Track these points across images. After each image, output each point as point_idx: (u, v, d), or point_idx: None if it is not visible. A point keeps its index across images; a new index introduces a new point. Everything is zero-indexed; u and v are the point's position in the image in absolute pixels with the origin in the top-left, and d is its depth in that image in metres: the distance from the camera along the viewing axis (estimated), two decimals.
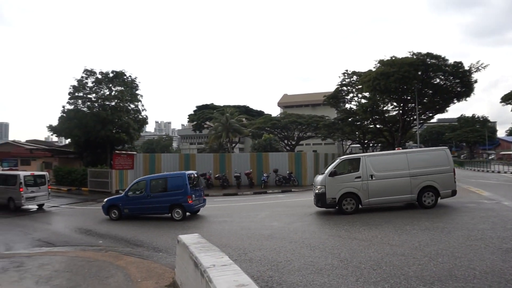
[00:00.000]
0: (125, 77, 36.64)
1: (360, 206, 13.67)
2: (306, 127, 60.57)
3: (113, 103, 35.25)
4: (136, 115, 37.22)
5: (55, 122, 37.82)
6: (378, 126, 47.59)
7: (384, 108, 44.33)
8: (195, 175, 16.18)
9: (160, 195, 15.17)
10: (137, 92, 37.30)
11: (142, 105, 37.99)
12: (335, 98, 51.05)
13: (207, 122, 70.88)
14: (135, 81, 37.33)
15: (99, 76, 36.14)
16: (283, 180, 28.17)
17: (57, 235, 13.30)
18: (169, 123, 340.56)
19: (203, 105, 80.00)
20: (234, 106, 68.77)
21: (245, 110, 75.52)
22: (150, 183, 15.44)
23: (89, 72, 36.08)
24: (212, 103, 79.89)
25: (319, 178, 14.23)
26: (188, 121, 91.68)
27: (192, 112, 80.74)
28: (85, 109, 35.15)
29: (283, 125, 60.26)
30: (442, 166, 13.61)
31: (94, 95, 35.96)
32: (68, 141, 47.52)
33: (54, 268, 8.62)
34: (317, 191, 13.92)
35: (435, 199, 13.48)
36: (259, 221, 13.69)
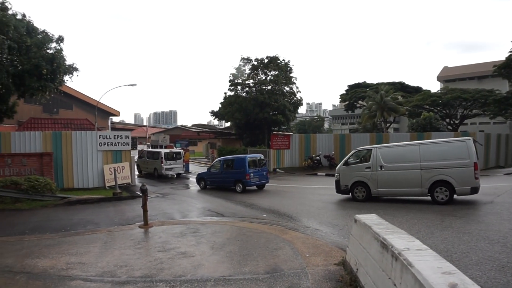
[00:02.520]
0: (278, 61, 37.70)
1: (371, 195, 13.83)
2: (472, 103, 52.90)
3: (269, 87, 36.66)
4: (291, 97, 38.09)
5: (216, 108, 41.25)
6: None
7: None
8: (259, 158, 19.45)
9: (228, 172, 19.02)
10: (291, 75, 38.10)
11: (297, 87, 38.72)
12: (507, 68, 43.05)
13: (360, 101, 68.47)
14: (288, 64, 38.14)
15: (255, 63, 38.04)
16: None
17: (224, 206, 14.34)
18: (320, 104, 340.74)
19: (355, 84, 77.37)
20: (389, 83, 64.50)
21: (400, 87, 70.04)
22: (223, 163, 19.61)
23: (246, 60, 38.36)
24: (365, 81, 76.64)
25: (337, 166, 15.27)
26: (340, 101, 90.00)
27: (344, 92, 78.87)
28: (244, 94, 37.47)
29: (445, 102, 53.75)
30: (460, 159, 12.12)
31: (251, 80, 37.99)
32: (228, 124, 51.38)
33: (226, 236, 9.21)
34: (335, 178, 14.95)
35: (449, 195, 12.16)
36: (428, 207, 12.49)
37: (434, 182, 12.36)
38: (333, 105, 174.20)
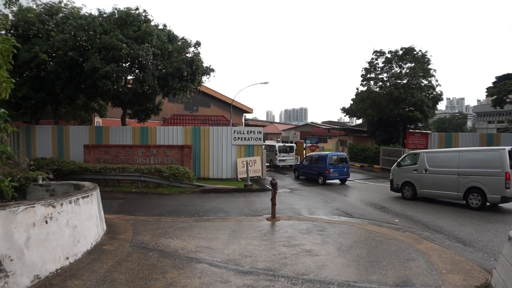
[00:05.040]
0: (414, 52, 34.75)
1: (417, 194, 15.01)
2: None
3: (404, 81, 34.13)
4: (429, 91, 34.82)
5: (347, 105, 39.92)
6: None
7: None
8: (341, 157, 22.01)
9: (314, 166, 22.19)
10: (428, 66, 34.88)
11: (436, 80, 35.20)
12: None
13: (511, 96, 59.92)
14: (425, 55, 34.83)
15: (389, 56, 35.65)
16: None
17: (353, 207, 13.76)
18: (463, 99, 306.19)
19: (504, 75, 67.17)
20: None
21: None
22: (311, 158, 22.80)
23: (379, 53, 36.20)
24: None
25: (392, 167, 16.82)
26: (486, 96, 79.53)
27: (491, 85, 69.56)
28: (377, 89, 35.50)
29: None
30: (493, 168, 12.44)
31: (385, 74, 35.80)
32: (359, 121, 49.62)
33: (354, 238, 8.73)
34: (390, 178, 16.62)
35: (481, 202, 12.63)
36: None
37: (468, 188, 13.02)
38: (478, 100, 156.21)
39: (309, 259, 7.06)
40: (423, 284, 5.86)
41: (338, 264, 6.80)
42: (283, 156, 29.66)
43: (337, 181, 21.93)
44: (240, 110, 48.61)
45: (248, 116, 66.74)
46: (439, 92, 34.80)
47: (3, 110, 6.49)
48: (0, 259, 5.11)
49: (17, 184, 8.33)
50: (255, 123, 69.09)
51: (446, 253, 7.59)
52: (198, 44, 21.75)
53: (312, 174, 22.23)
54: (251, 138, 21.44)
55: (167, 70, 19.91)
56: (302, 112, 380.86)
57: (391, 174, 16.50)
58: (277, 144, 30.79)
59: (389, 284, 5.83)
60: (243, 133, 21.42)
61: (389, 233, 9.29)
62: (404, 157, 16.29)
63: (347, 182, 21.73)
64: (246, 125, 53.14)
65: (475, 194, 12.79)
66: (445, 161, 14.05)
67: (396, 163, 16.60)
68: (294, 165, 26.27)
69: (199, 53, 21.43)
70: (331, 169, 20.80)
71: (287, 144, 31.62)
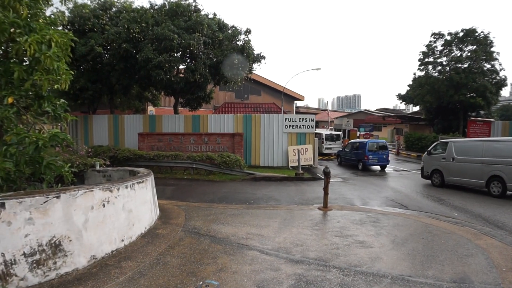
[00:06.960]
0: (476, 34, 32.45)
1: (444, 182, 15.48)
2: None
3: (465, 65, 32.12)
4: (492, 76, 32.40)
5: (403, 91, 38.25)
6: None
7: None
8: (381, 144, 22.53)
9: (354, 152, 23.23)
10: (492, 49, 32.45)
11: (500, 64, 32.65)
12: None
13: None
14: (488, 37, 32.37)
15: (448, 38, 33.55)
16: None
17: (409, 198, 13.22)
18: None
19: None
20: None
21: None
22: (352, 145, 23.91)
23: (437, 35, 34.16)
24: None
25: (423, 155, 17.47)
26: None
27: None
28: (435, 74, 33.69)
29: None
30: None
31: (444, 58, 33.83)
32: (416, 108, 47.56)
33: (409, 231, 8.35)
34: (421, 165, 17.37)
35: (502, 190, 13.00)
36: None
37: (490, 176, 13.45)
38: None
39: (362, 250, 6.84)
40: (481, 282, 5.49)
41: (392, 257, 6.52)
42: (330, 144, 30.07)
43: (391, 170, 21.58)
44: (291, 97, 48.21)
45: (299, 103, 66.14)
46: (503, 77, 32.38)
47: (62, 100, 6.77)
48: (59, 240, 5.37)
49: (76, 169, 8.75)
50: (306, 111, 68.22)
51: (507, 250, 7.09)
52: (248, 31, 21.72)
53: (353, 160, 23.44)
54: (303, 126, 21.16)
55: (218, 58, 20.09)
56: (355, 99, 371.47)
57: (422, 162, 17.18)
58: (324, 132, 31.05)
59: (446, 280, 5.51)
60: (295, 121, 21.18)
61: (447, 227, 8.79)
62: (435, 146, 16.63)
63: (402, 172, 21.12)
64: (298, 112, 52.64)
65: (496, 182, 13.27)
66: (470, 151, 14.51)
67: (426, 151, 17.14)
68: (337, 151, 27.32)
69: (249, 40, 21.41)
70: (370, 156, 21.74)
71: (333, 132, 31.81)
